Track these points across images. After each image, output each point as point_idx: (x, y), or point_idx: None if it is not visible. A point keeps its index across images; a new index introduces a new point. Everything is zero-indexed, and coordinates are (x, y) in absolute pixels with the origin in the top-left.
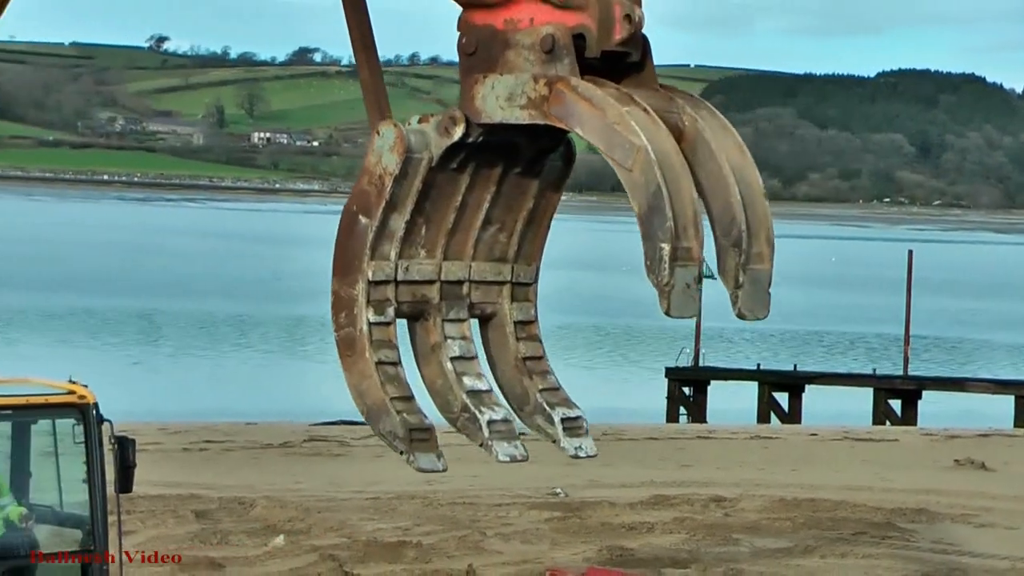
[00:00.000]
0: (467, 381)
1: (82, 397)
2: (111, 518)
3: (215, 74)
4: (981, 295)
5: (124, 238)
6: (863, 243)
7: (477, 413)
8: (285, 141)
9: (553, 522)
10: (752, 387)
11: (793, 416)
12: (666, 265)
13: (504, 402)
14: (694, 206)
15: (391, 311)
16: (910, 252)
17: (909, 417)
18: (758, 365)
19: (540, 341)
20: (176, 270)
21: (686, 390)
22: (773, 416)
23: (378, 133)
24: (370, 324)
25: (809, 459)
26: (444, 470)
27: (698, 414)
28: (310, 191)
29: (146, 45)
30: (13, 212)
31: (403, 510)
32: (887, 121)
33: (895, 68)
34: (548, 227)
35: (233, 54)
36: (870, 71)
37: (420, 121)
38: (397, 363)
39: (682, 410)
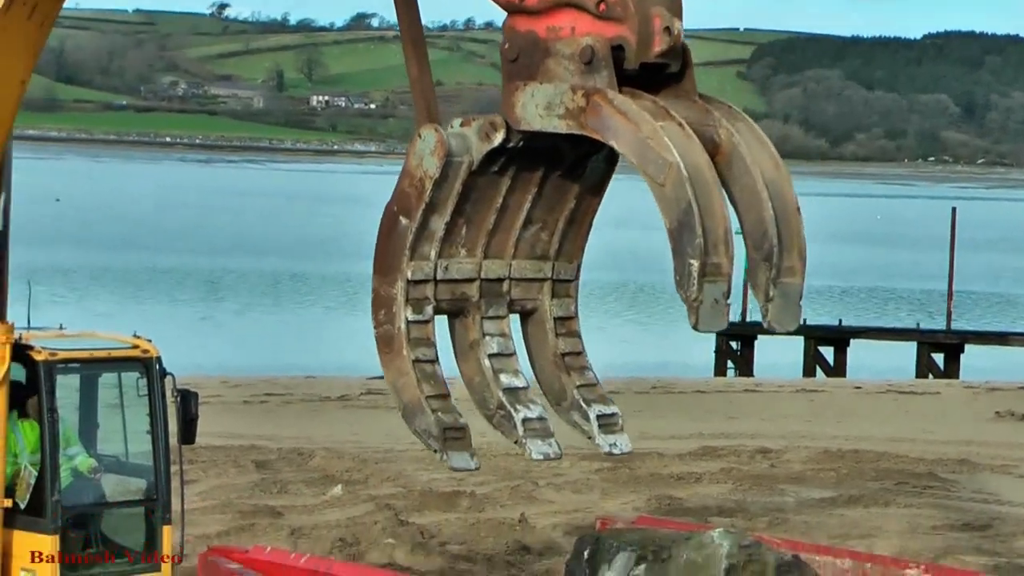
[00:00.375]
0: (504, 379)
1: (145, 351)
2: (174, 468)
3: (275, 39)
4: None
5: (187, 198)
6: (908, 201)
7: (512, 411)
8: (343, 104)
9: (603, 472)
10: (798, 341)
11: (838, 370)
12: (695, 281)
13: (539, 400)
14: (725, 222)
15: (430, 309)
16: (954, 209)
17: (952, 370)
18: (804, 320)
19: (579, 337)
20: (238, 229)
21: (734, 344)
22: (818, 370)
23: (420, 136)
24: (408, 322)
25: (853, 412)
26: (477, 468)
27: (745, 368)
28: (367, 152)
29: (208, 12)
30: (80, 173)
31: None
32: (933, 82)
33: (941, 30)
34: (590, 225)
35: (292, 20)
36: (916, 33)
37: (462, 124)
38: (434, 361)
39: (730, 364)
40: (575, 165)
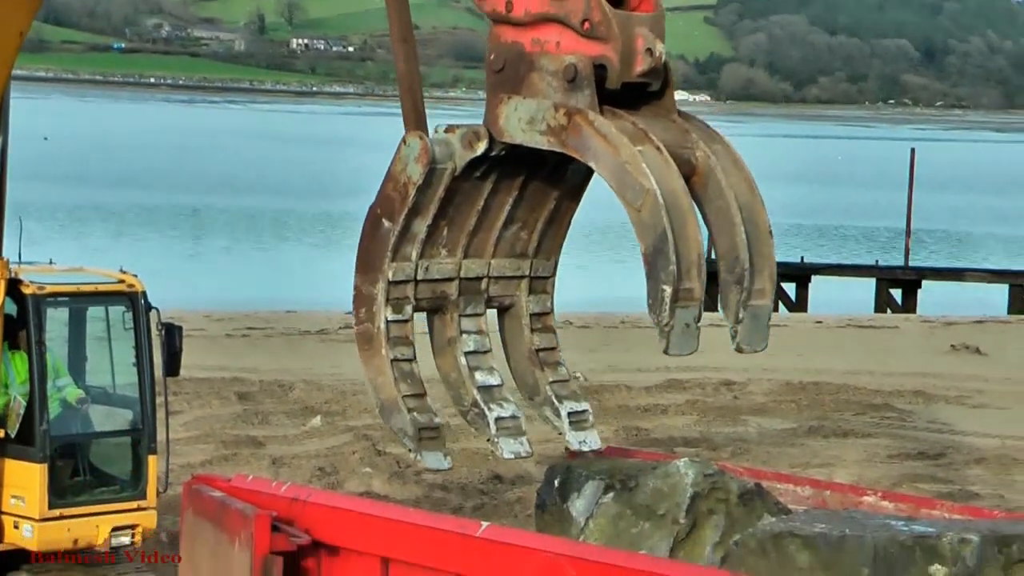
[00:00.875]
0: (479, 376)
1: (131, 286)
2: (159, 400)
3: None
4: (980, 191)
5: (171, 138)
6: (869, 142)
7: (486, 410)
8: (322, 47)
9: None
10: None
11: (800, 305)
12: (667, 307)
13: (512, 397)
14: (699, 248)
15: (409, 309)
16: (912, 150)
17: (909, 305)
18: None
19: (554, 332)
20: (221, 168)
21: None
22: (781, 305)
23: (405, 143)
24: (388, 322)
25: (814, 345)
26: (449, 468)
27: (711, 304)
28: (345, 94)
29: None
30: (67, 112)
31: (433, 394)
32: (893, 28)
33: None
34: (569, 224)
35: None
36: None
37: (446, 131)
38: (412, 359)
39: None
40: (556, 168)
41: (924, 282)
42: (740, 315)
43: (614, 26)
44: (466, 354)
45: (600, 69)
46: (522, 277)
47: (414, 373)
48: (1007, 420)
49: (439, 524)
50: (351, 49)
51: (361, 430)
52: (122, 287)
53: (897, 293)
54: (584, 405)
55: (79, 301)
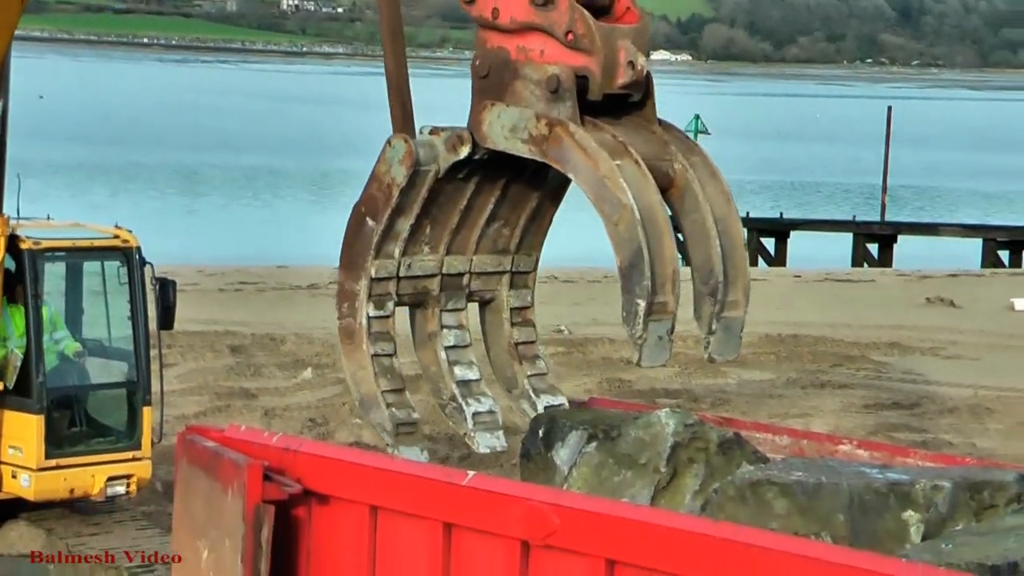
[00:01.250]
0: (458, 371)
1: (126, 241)
2: (153, 353)
3: None
4: (955, 147)
5: (165, 97)
6: (847, 101)
7: (464, 404)
8: (312, 8)
9: (558, 356)
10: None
11: (779, 259)
12: (641, 320)
13: (491, 392)
14: (674, 263)
15: (391, 305)
16: (889, 108)
17: (885, 259)
18: (747, 213)
19: (534, 326)
20: (213, 127)
21: (679, 237)
22: (760, 259)
23: (390, 144)
24: (370, 318)
25: (793, 299)
26: (427, 462)
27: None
28: (335, 54)
29: None
30: (62, 72)
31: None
32: None
33: None
34: (551, 221)
35: None
36: None
37: (431, 133)
38: (392, 355)
39: (677, 255)
40: (538, 170)
41: (900, 236)
42: (713, 327)
43: (597, 39)
44: (446, 348)
45: (582, 80)
46: (503, 272)
47: (394, 368)
48: (980, 371)
49: (426, 473)
50: (340, 10)
51: None
52: (117, 243)
53: (873, 247)
54: (561, 399)
55: (75, 256)
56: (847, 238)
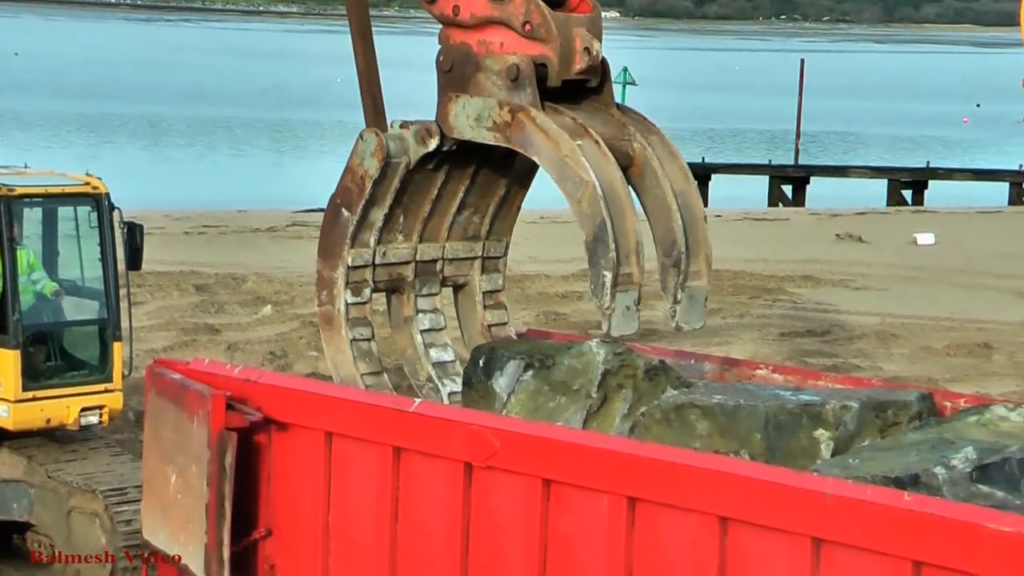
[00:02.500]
0: (434, 353)
1: (96, 188)
2: (123, 291)
3: None
4: (862, 96)
5: (133, 53)
6: (763, 54)
7: (440, 385)
8: None
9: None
10: None
11: (702, 200)
12: (607, 291)
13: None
14: (636, 236)
15: (368, 291)
16: (802, 61)
17: (799, 200)
18: None
19: (505, 308)
20: (178, 80)
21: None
22: None
23: (362, 138)
24: (347, 304)
25: (714, 237)
26: None
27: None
28: (289, 13)
29: None
30: (34, 30)
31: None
32: None
33: None
34: (519, 207)
35: None
36: None
37: (401, 127)
38: (371, 339)
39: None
40: (505, 158)
41: (812, 178)
42: (678, 296)
43: (553, 27)
44: (422, 332)
45: (541, 68)
46: (475, 258)
47: (372, 352)
48: (885, 300)
49: (377, 401)
50: None
51: (307, 318)
52: (87, 189)
53: (788, 189)
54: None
55: (48, 202)
56: (764, 180)
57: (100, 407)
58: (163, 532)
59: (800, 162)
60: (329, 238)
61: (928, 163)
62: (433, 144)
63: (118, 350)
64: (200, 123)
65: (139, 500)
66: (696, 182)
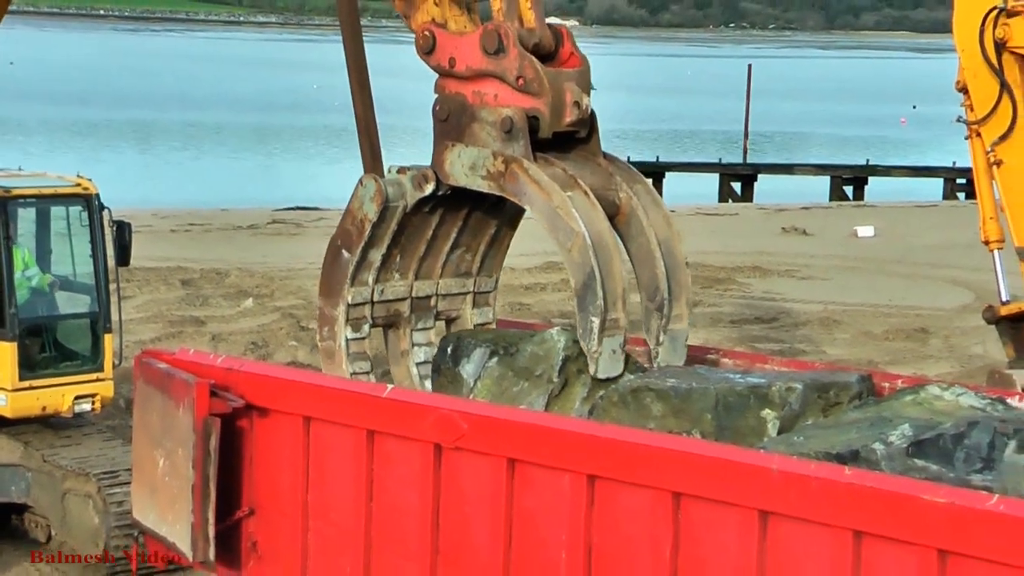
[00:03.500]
0: (428, 385)
1: (86, 188)
2: (112, 286)
3: None
4: (807, 99)
5: (121, 62)
6: (714, 60)
7: None
8: None
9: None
10: None
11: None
12: (595, 336)
13: None
14: (623, 283)
15: (367, 327)
16: (749, 66)
17: (747, 196)
18: (628, 157)
19: None
20: (164, 87)
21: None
22: None
23: (362, 184)
24: (348, 340)
25: None
26: None
27: None
28: (268, 23)
29: None
30: (28, 41)
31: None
32: None
33: None
34: (509, 245)
35: None
36: None
37: (398, 172)
38: (369, 372)
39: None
40: (496, 201)
41: (760, 176)
42: (660, 339)
43: (545, 82)
44: (417, 364)
45: (533, 120)
46: (467, 293)
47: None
48: (828, 289)
49: (352, 387)
50: None
51: (287, 310)
52: (78, 190)
53: (737, 185)
54: None
55: (42, 202)
56: (714, 178)
57: (92, 395)
58: (152, 512)
59: (748, 160)
60: (330, 278)
61: (868, 161)
62: (429, 189)
63: (109, 341)
64: (185, 127)
65: (130, 482)
66: (678, 228)
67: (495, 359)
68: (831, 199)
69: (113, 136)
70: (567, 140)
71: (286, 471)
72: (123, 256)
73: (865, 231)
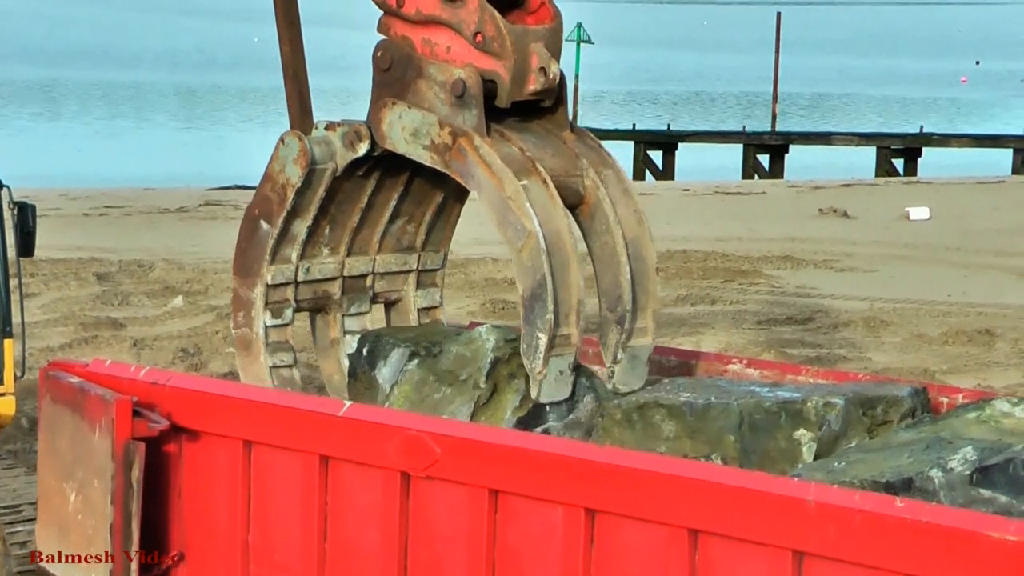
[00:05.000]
0: None
1: None
2: (13, 282)
3: None
4: (847, 53)
5: (21, 6)
6: (734, 7)
7: None
8: None
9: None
10: (628, 146)
11: (667, 173)
12: (541, 355)
13: None
14: (579, 293)
15: (289, 312)
16: (778, 14)
17: (777, 171)
18: (633, 125)
19: (443, 326)
20: (71, 38)
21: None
22: (648, 173)
23: (283, 142)
24: (267, 327)
25: (682, 213)
26: None
27: None
28: None
29: None
30: None
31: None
32: None
33: None
34: (458, 216)
35: None
36: None
37: (327, 128)
38: (292, 365)
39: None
40: None
41: (791, 147)
42: (618, 356)
43: (508, 43)
44: (349, 356)
45: (490, 84)
46: (409, 271)
47: (294, 380)
48: (874, 282)
49: (302, 404)
50: None
51: (223, 309)
52: None
53: (764, 158)
54: None
55: None
56: (737, 149)
57: None
58: (62, 555)
59: (778, 128)
60: (246, 254)
61: (922, 128)
62: (363, 149)
63: (9, 348)
64: (100, 88)
65: (34, 519)
66: (649, 225)
67: (415, 361)
68: (877, 174)
69: (13, 98)
70: (529, 108)
71: (223, 506)
72: (26, 245)
73: (918, 213)
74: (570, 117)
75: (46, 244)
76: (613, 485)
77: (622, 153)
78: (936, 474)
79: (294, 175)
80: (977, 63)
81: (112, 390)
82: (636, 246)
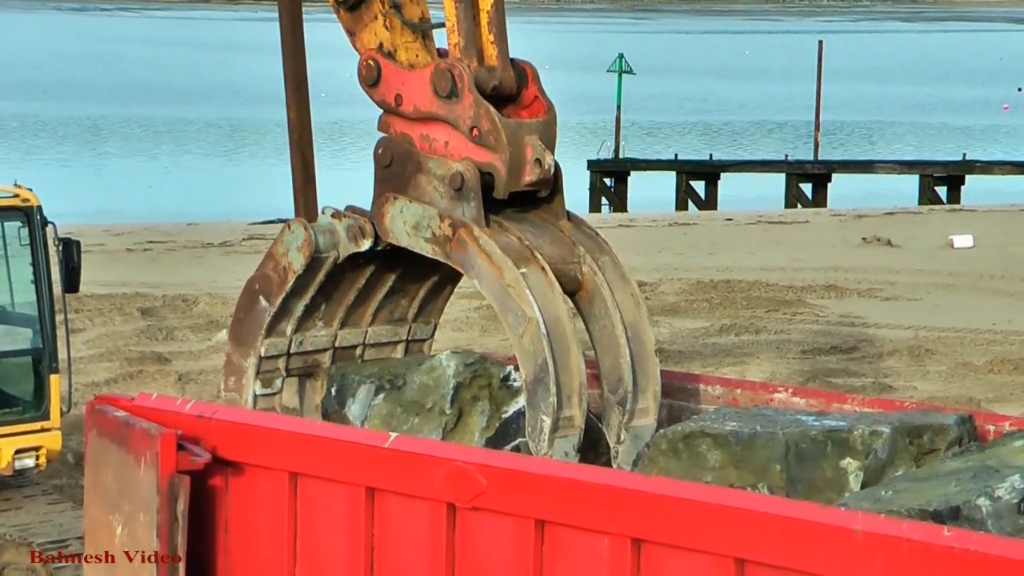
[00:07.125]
0: None
1: (26, 200)
2: (59, 317)
3: None
4: (889, 81)
5: (65, 47)
6: (776, 36)
7: None
8: None
9: (482, 311)
10: (670, 176)
11: (709, 203)
12: (546, 437)
13: None
14: (581, 376)
15: (279, 382)
16: (820, 42)
17: (820, 199)
18: (675, 155)
19: None
20: (116, 77)
21: (607, 181)
22: (691, 203)
23: (290, 229)
24: (255, 395)
25: (725, 243)
26: None
27: (619, 203)
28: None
29: None
30: None
31: None
32: None
33: None
34: (452, 291)
35: None
36: None
37: (333, 216)
38: None
39: (604, 200)
40: None
41: (834, 175)
42: (621, 436)
43: (503, 136)
44: (322, 400)
45: (488, 176)
46: (399, 342)
47: None
48: (919, 311)
49: (347, 436)
50: None
51: None
52: (17, 201)
53: (807, 187)
54: None
55: None
56: (779, 178)
57: (36, 448)
58: None
59: (820, 157)
60: (243, 324)
61: (964, 156)
62: (366, 245)
63: (55, 384)
64: (143, 124)
65: (81, 554)
66: (646, 309)
67: (381, 395)
68: (921, 202)
69: (58, 136)
70: (526, 198)
71: (269, 539)
72: (71, 281)
73: (962, 241)
74: (566, 206)
75: (90, 280)
76: (659, 515)
77: (664, 184)
78: (984, 503)
79: (296, 261)
80: (1020, 90)
81: (157, 424)
82: (635, 329)
